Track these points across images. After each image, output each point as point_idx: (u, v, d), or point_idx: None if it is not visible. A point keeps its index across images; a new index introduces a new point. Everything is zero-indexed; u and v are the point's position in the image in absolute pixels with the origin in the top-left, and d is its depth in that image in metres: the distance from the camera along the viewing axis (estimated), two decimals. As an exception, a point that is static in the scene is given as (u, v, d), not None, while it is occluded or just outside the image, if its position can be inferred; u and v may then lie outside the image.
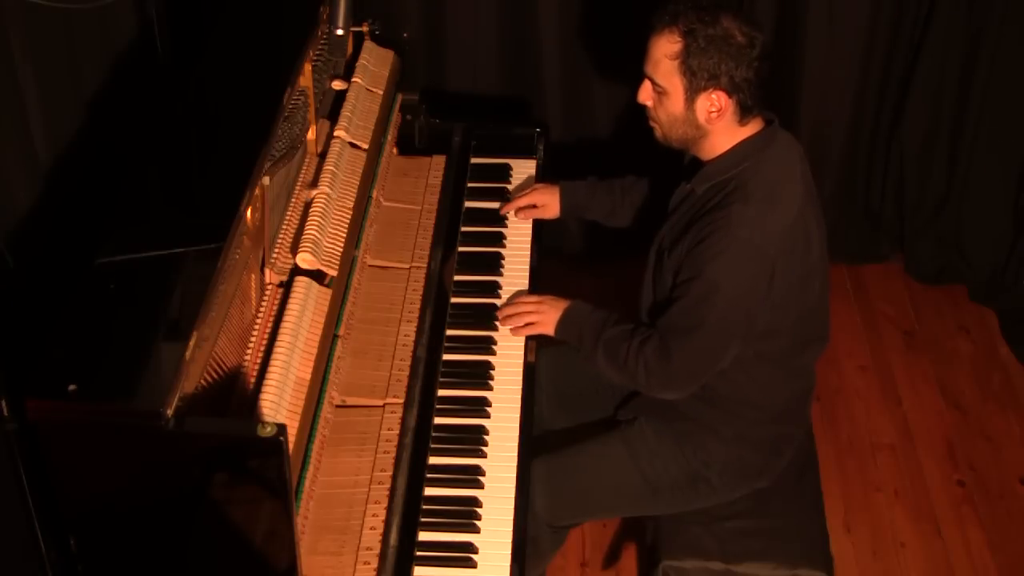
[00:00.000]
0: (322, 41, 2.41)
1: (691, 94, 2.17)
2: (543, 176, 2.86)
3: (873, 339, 3.58)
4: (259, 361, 1.97)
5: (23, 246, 1.99)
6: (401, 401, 2.18)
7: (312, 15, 2.36)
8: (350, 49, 2.65)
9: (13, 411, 1.59)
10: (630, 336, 2.29)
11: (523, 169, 2.87)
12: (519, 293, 2.54)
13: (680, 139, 2.25)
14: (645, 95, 2.24)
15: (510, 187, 2.82)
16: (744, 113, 2.19)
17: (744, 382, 2.33)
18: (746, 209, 2.16)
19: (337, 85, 2.54)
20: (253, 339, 2.00)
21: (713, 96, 2.16)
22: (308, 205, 2.21)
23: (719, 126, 2.20)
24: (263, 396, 1.81)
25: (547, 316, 2.42)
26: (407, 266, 2.48)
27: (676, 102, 2.19)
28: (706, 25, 2.12)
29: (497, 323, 2.47)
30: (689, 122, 2.21)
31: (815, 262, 2.25)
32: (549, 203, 2.71)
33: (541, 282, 2.60)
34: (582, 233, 3.71)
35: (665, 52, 2.16)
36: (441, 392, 2.31)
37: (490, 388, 2.34)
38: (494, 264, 2.61)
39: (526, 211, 2.72)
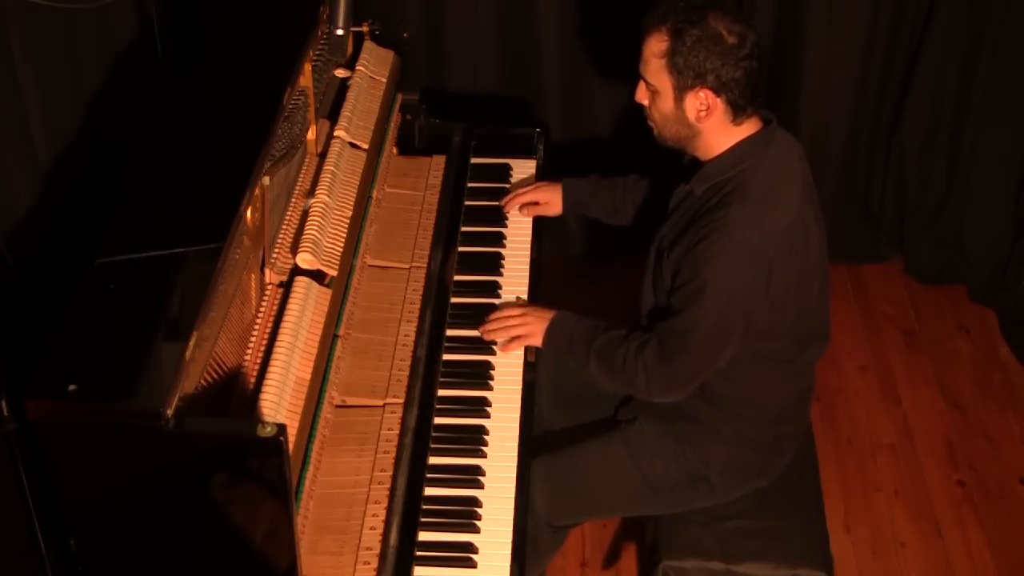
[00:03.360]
0: (322, 41, 2.41)
1: (679, 92, 2.18)
2: (543, 176, 2.86)
3: (873, 339, 3.58)
4: (259, 361, 1.97)
5: (23, 246, 1.99)
6: (401, 401, 2.18)
7: (312, 15, 2.36)
8: (350, 49, 2.65)
9: (13, 411, 1.59)
10: (624, 341, 2.29)
11: (523, 169, 2.87)
12: (504, 305, 2.52)
13: (674, 138, 2.26)
14: (640, 94, 2.26)
15: (510, 187, 2.82)
16: (736, 112, 2.19)
17: (744, 382, 2.33)
18: (744, 209, 2.16)
19: (340, 73, 2.52)
20: (253, 339, 2.00)
21: (701, 95, 2.16)
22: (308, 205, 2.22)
23: (710, 125, 2.21)
24: (263, 396, 1.81)
25: (533, 327, 2.41)
26: (407, 266, 2.48)
27: (666, 101, 2.20)
28: (693, 24, 2.13)
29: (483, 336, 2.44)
30: (680, 121, 2.22)
31: (814, 262, 2.26)
32: (551, 200, 2.72)
33: (541, 282, 2.60)
34: (582, 233, 3.71)
35: (653, 51, 2.18)
36: (441, 392, 2.31)
37: (490, 388, 2.34)
38: (494, 264, 2.61)
39: (529, 208, 2.72)
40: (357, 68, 2.57)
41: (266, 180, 2.02)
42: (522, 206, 2.73)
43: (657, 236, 2.35)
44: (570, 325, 2.39)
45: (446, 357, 2.38)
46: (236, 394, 1.88)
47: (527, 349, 2.42)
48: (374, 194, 2.54)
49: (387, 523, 1.99)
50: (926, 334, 3.61)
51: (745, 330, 2.22)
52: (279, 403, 1.83)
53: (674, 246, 2.26)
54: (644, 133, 2.35)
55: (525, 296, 2.54)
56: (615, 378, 2.31)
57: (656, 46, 2.17)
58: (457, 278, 2.56)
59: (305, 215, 2.20)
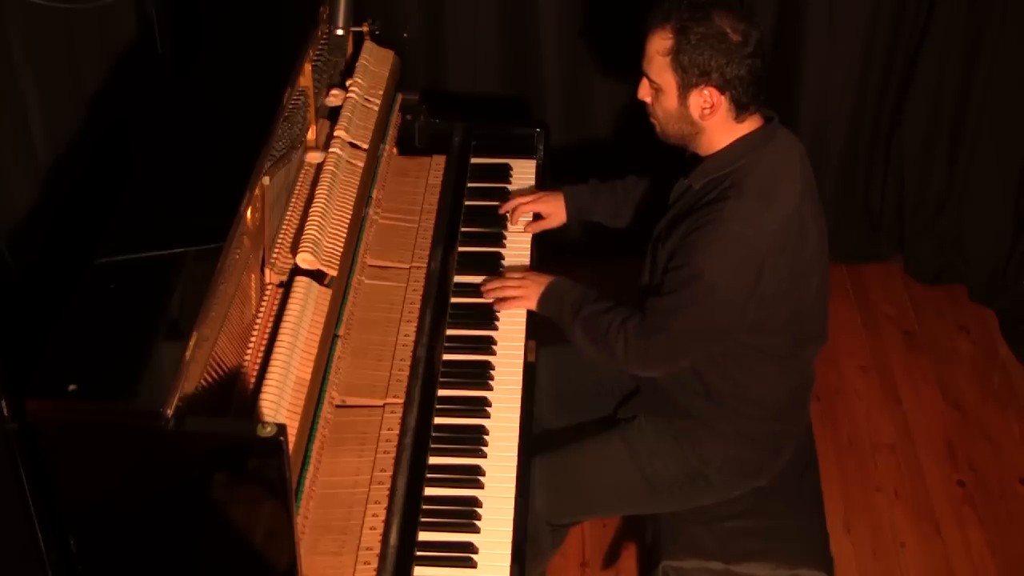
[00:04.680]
0: (322, 41, 2.41)
1: (683, 90, 2.18)
2: (543, 176, 2.85)
3: (873, 339, 3.58)
4: (259, 361, 1.97)
5: (23, 246, 1.99)
6: (401, 401, 2.18)
7: (312, 15, 2.36)
8: (350, 49, 2.65)
9: (13, 411, 1.59)
10: (610, 311, 2.32)
11: (523, 169, 2.87)
12: (507, 268, 2.55)
13: (677, 135, 2.27)
14: (643, 92, 2.27)
15: (510, 187, 2.82)
16: (740, 110, 2.20)
17: (742, 379, 2.33)
18: (740, 204, 2.17)
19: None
20: (253, 339, 2.00)
21: (705, 92, 2.17)
22: (308, 204, 2.21)
23: (714, 122, 2.21)
24: (263, 396, 1.81)
25: (529, 291, 2.46)
26: (407, 266, 2.48)
27: (670, 98, 2.21)
28: (698, 22, 2.13)
29: (503, 312, 2.48)
30: (684, 118, 2.22)
31: (810, 260, 2.26)
32: (555, 212, 2.71)
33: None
34: (582, 232, 3.70)
35: (658, 49, 2.18)
36: (441, 392, 2.31)
37: (490, 388, 2.34)
38: (494, 264, 2.61)
39: (534, 224, 2.70)
40: (358, 64, 2.57)
41: (266, 180, 2.02)
42: (527, 226, 2.70)
43: (655, 229, 2.36)
44: (563, 291, 2.43)
45: (446, 357, 2.38)
46: (236, 394, 1.88)
47: (527, 349, 2.42)
48: (374, 194, 2.54)
49: (387, 523, 1.98)
50: (926, 334, 3.61)
51: (729, 323, 2.22)
52: (279, 403, 1.83)
53: (669, 236, 2.27)
54: (644, 133, 2.35)
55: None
56: (596, 345, 2.33)
57: (660, 44, 2.18)
58: (457, 278, 2.56)
59: (306, 210, 2.20)
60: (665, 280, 2.26)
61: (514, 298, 2.47)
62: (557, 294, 2.43)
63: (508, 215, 2.72)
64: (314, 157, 2.32)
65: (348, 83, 2.51)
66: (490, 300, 2.49)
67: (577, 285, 2.44)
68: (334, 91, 2.52)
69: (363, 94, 2.53)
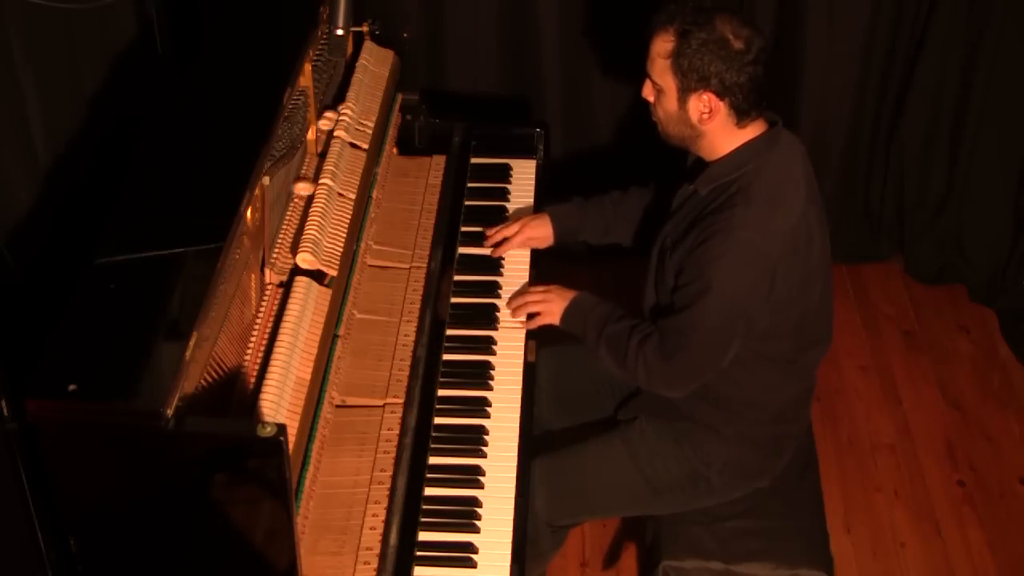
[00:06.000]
0: (322, 41, 2.41)
1: (683, 94, 2.18)
2: (543, 176, 2.85)
3: (873, 339, 3.58)
4: (259, 361, 1.97)
5: (23, 246, 1.99)
6: (401, 401, 2.18)
7: (312, 15, 2.36)
8: (350, 49, 2.65)
9: (13, 411, 1.59)
10: (631, 332, 2.30)
11: (523, 169, 2.87)
12: (527, 284, 2.55)
13: (677, 137, 2.26)
14: (647, 91, 2.27)
15: (510, 187, 2.82)
16: (740, 116, 2.19)
17: (745, 382, 2.33)
18: (748, 211, 2.16)
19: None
20: (253, 339, 2.00)
21: (704, 97, 2.16)
22: (308, 205, 2.21)
23: (714, 127, 2.20)
24: (263, 396, 1.81)
25: (553, 306, 2.44)
26: (407, 266, 2.48)
27: (670, 101, 2.21)
28: (700, 27, 2.13)
29: (503, 312, 2.48)
30: (683, 121, 2.22)
31: (817, 263, 2.26)
32: (542, 235, 2.65)
33: (542, 280, 2.60)
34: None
35: (659, 51, 2.18)
36: (441, 392, 2.31)
37: (490, 388, 2.34)
38: (494, 264, 2.61)
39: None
40: (358, 64, 2.57)
41: (266, 180, 2.02)
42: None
43: (660, 236, 2.35)
44: (587, 309, 2.41)
45: (446, 357, 2.38)
46: (236, 394, 1.88)
47: (527, 349, 2.42)
48: (374, 194, 2.54)
49: (387, 523, 1.99)
50: (926, 334, 3.61)
51: (746, 331, 2.22)
52: (279, 403, 1.83)
53: (677, 246, 2.26)
54: (644, 133, 2.35)
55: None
56: (620, 368, 2.33)
57: (662, 46, 2.17)
58: (457, 278, 2.56)
59: (306, 210, 2.20)
60: (676, 298, 2.24)
61: (537, 313, 2.45)
62: (581, 311, 2.41)
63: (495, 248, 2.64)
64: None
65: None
66: (516, 317, 2.46)
67: (602, 301, 2.41)
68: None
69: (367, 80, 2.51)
